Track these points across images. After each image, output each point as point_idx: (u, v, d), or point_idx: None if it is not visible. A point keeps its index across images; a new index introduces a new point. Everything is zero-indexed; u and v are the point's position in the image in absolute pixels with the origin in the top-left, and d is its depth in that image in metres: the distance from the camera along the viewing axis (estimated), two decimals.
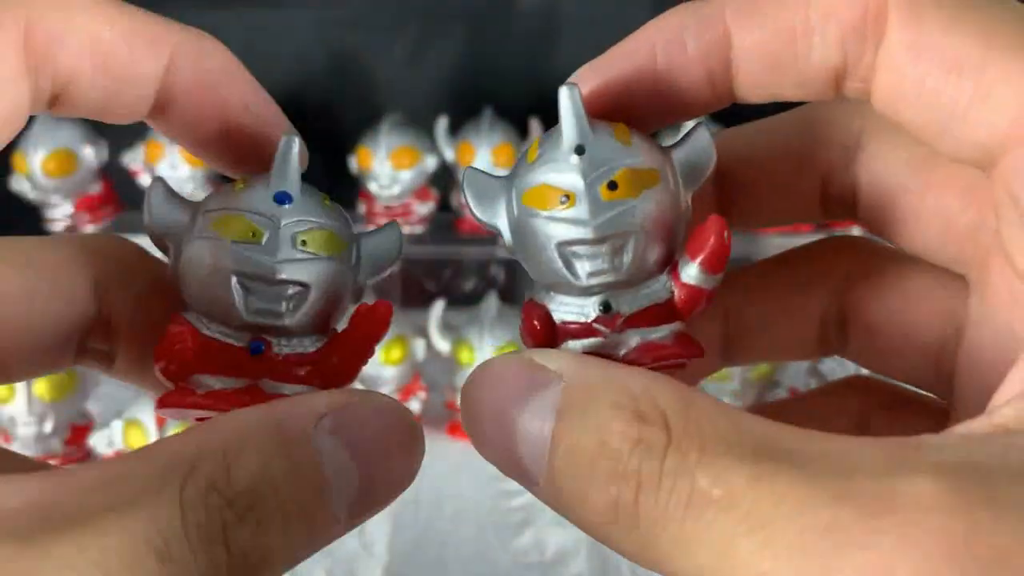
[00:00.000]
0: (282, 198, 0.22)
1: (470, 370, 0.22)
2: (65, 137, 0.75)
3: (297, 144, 0.22)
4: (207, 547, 0.17)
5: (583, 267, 0.21)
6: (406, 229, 0.77)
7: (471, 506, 0.61)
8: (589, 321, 0.22)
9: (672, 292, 0.22)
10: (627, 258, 0.21)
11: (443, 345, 0.68)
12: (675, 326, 0.22)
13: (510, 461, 0.19)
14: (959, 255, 0.23)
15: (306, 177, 0.23)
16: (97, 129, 0.79)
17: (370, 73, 0.86)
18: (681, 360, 0.22)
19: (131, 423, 0.54)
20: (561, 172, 0.21)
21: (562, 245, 0.21)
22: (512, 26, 0.82)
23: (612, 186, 0.21)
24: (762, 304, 0.27)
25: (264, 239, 0.22)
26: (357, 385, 0.24)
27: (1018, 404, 0.17)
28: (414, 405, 0.68)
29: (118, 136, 0.79)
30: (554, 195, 0.21)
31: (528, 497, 0.30)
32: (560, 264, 0.21)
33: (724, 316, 0.27)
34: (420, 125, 0.78)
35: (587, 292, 0.22)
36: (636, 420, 0.17)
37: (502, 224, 0.22)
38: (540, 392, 0.19)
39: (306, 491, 0.19)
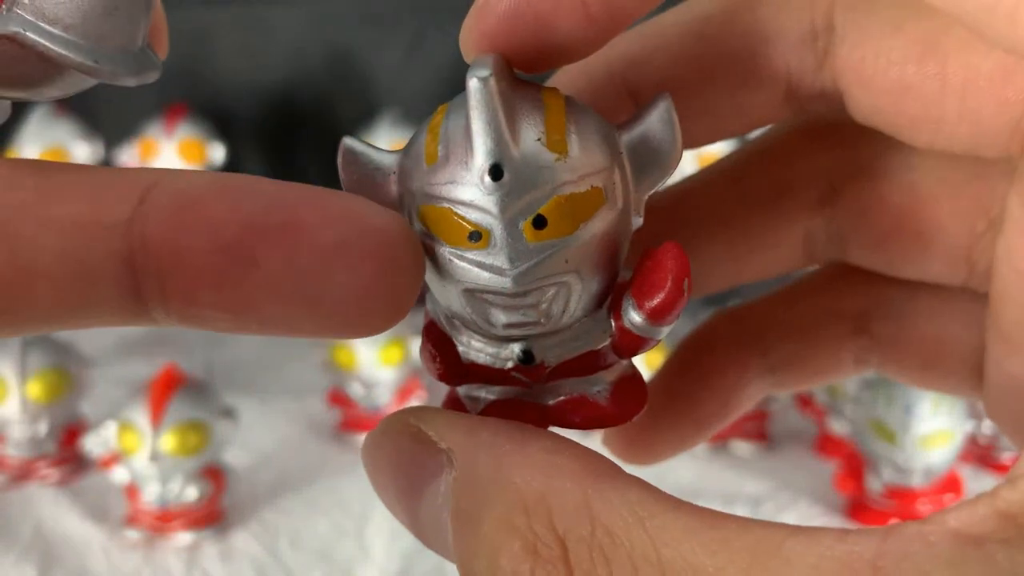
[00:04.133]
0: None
1: None
2: (59, 135, 0.74)
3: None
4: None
5: (498, 317, 0.16)
6: None
7: None
8: (506, 369, 0.17)
9: (611, 335, 0.17)
10: (556, 308, 0.16)
11: None
12: (615, 371, 0.18)
13: (427, 546, 0.17)
14: (1000, 152, 0.18)
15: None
16: (91, 126, 0.78)
17: (367, 69, 0.85)
18: (616, 424, 0.18)
19: (125, 425, 0.53)
20: (471, 198, 0.15)
21: (472, 292, 0.16)
22: None
23: (539, 223, 0.15)
24: (721, 231, 0.22)
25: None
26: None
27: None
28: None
29: (112, 133, 0.79)
30: (460, 227, 0.16)
31: None
32: (469, 310, 0.17)
33: None
34: (418, 121, 0.77)
35: (504, 338, 0.17)
36: (529, 555, 0.14)
37: None
38: (433, 481, 0.16)
39: None
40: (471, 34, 0.17)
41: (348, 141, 0.17)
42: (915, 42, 0.17)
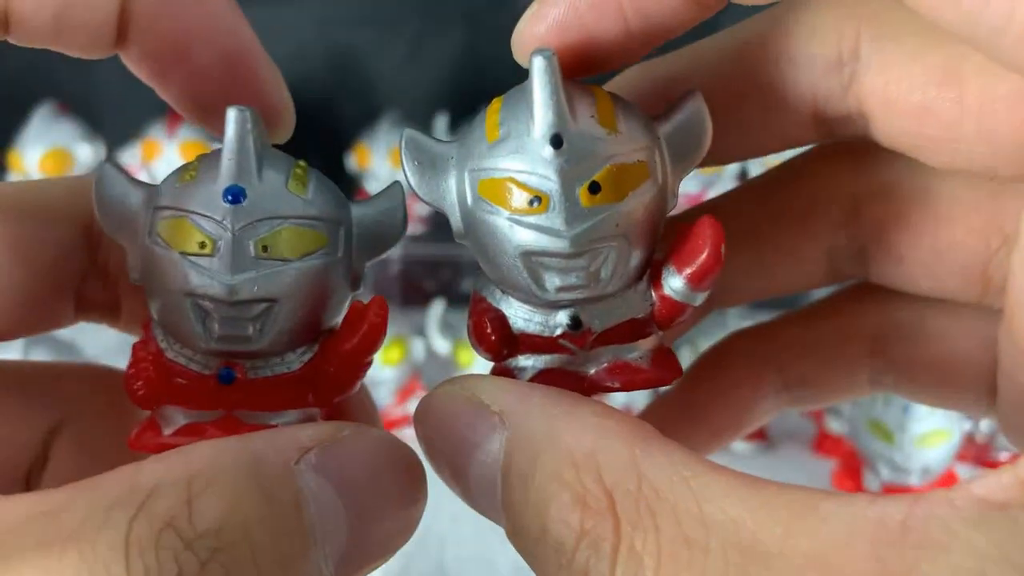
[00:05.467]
0: (233, 195, 0.17)
1: (470, 371, 0.21)
2: (61, 136, 0.75)
3: (249, 120, 0.18)
4: None
5: (552, 280, 0.18)
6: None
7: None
8: (554, 336, 0.18)
9: (652, 303, 0.19)
10: (605, 272, 0.18)
11: (442, 345, 0.68)
12: (652, 340, 0.19)
13: (473, 506, 0.18)
14: (1016, 171, 0.19)
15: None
16: (94, 128, 0.78)
17: (369, 71, 0.86)
18: (654, 386, 0.19)
19: None
20: (532, 166, 0.17)
21: (529, 255, 0.17)
22: (511, 23, 0.82)
23: (594, 188, 0.17)
24: (750, 245, 0.23)
25: (217, 250, 0.17)
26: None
27: None
28: (413, 406, 0.67)
29: (114, 134, 0.79)
30: (522, 194, 0.17)
31: None
32: (525, 274, 0.18)
33: None
34: (419, 123, 0.78)
35: (553, 305, 0.18)
36: (578, 505, 0.15)
37: (450, 208, 0.18)
38: (484, 442, 0.17)
39: (285, 537, 0.15)
40: (524, 37, 0.19)
41: (410, 132, 0.18)
42: (936, 68, 0.18)
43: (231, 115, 0.18)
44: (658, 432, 0.16)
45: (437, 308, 0.68)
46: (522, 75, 0.18)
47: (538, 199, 0.17)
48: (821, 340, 0.25)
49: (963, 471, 0.57)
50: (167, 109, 0.83)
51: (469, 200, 0.18)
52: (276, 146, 0.19)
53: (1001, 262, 0.21)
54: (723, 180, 0.71)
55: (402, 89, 0.85)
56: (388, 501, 0.17)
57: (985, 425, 0.60)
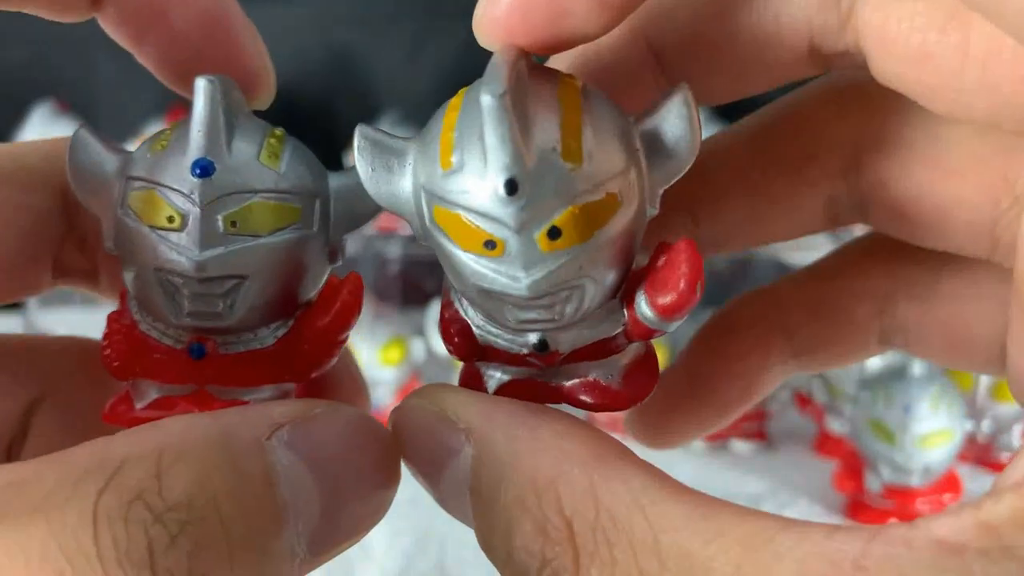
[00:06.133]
0: (202, 169, 0.17)
1: None
2: (60, 133, 0.75)
3: (219, 90, 0.17)
4: (127, 572, 0.13)
5: (512, 313, 0.17)
6: (406, 229, 0.76)
7: None
8: (522, 354, 0.18)
9: (623, 324, 0.17)
10: (570, 309, 0.17)
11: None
12: (628, 355, 0.18)
13: (451, 515, 0.18)
14: (1020, 126, 0.17)
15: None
16: (92, 125, 0.78)
17: (368, 70, 0.86)
18: (624, 407, 0.18)
19: None
20: (485, 209, 0.15)
21: (487, 292, 0.16)
22: None
23: (553, 234, 0.15)
24: (743, 194, 0.22)
25: (185, 225, 0.17)
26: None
27: (1016, 497, 0.13)
28: None
29: (113, 132, 0.79)
30: (476, 235, 0.16)
31: None
32: (487, 305, 0.17)
33: (689, 206, 0.21)
34: (418, 122, 0.78)
35: (518, 330, 0.17)
36: (540, 535, 0.15)
37: (409, 215, 0.17)
38: (453, 458, 0.17)
39: (256, 512, 0.15)
40: (483, 22, 0.17)
41: (365, 130, 0.17)
42: (938, 9, 0.17)
43: (200, 85, 0.17)
44: (622, 451, 0.16)
45: (437, 308, 0.68)
46: None
47: (493, 243, 0.16)
48: (829, 301, 0.24)
49: (964, 471, 0.57)
50: (166, 107, 0.83)
51: (426, 219, 0.17)
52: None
53: (1011, 222, 0.20)
54: None
55: (402, 89, 0.85)
56: (361, 480, 0.17)
57: (987, 426, 0.59)
